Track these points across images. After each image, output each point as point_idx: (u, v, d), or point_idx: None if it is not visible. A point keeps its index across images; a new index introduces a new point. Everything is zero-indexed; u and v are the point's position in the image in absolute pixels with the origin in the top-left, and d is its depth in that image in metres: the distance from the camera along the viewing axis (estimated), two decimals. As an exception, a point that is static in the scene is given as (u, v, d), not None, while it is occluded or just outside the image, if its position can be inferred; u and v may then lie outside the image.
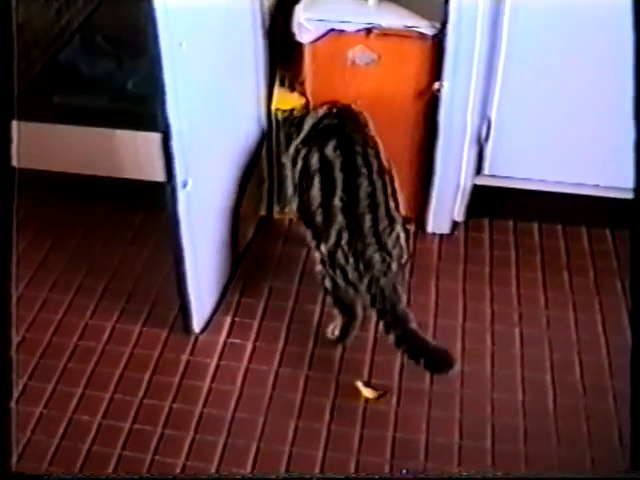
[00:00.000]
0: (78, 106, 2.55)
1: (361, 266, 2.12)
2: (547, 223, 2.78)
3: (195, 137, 2.10)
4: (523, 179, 2.59)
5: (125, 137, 2.42)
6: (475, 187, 2.65)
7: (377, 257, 2.12)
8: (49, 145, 2.40)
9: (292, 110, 2.52)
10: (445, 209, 2.70)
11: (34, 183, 2.08)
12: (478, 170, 2.61)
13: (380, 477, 2.11)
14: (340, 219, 2.14)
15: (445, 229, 2.74)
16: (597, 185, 2.53)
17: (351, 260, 2.12)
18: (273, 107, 2.55)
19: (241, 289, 2.56)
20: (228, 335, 2.42)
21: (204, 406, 2.23)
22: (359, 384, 2.27)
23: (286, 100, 2.55)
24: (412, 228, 2.70)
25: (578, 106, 2.41)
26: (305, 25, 2.41)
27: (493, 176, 2.61)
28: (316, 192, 2.18)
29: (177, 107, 1.98)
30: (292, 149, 2.37)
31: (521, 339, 2.40)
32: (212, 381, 2.29)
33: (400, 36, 2.39)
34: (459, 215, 2.74)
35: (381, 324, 2.12)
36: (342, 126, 2.31)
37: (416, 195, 2.68)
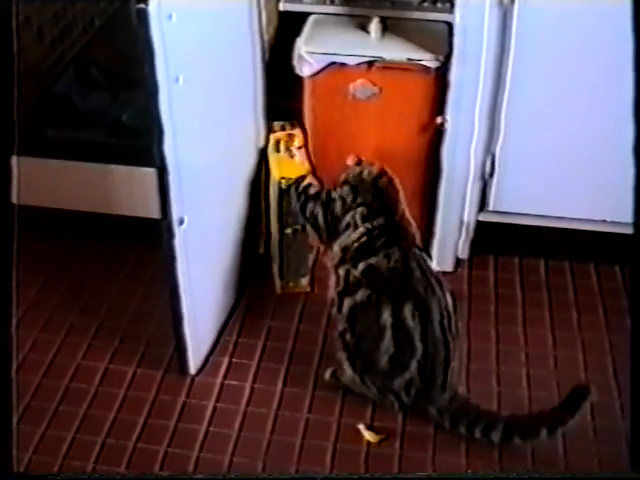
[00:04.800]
0: (72, 140, 2.52)
1: (422, 401, 2.19)
2: (553, 260, 2.77)
3: (192, 173, 2.09)
4: (528, 215, 2.58)
5: (120, 172, 2.40)
6: (479, 223, 2.64)
7: (442, 397, 2.16)
8: (41, 180, 2.36)
9: (299, 178, 2.41)
10: (449, 246, 2.68)
11: (25, 219, 2.04)
12: (482, 206, 2.60)
13: (380, 477, 2.09)
14: (414, 373, 2.15)
15: (449, 267, 2.72)
16: (604, 220, 2.52)
17: (414, 400, 2.20)
18: (277, 176, 2.43)
19: (239, 329, 2.54)
20: (225, 376, 2.39)
21: (201, 450, 2.19)
22: (361, 427, 2.23)
23: (289, 167, 2.45)
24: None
25: (584, 140, 2.41)
26: (306, 58, 2.40)
27: (497, 212, 2.60)
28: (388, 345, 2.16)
29: (173, 142, 1.97)
30: (337, 248, 2.28)
31: (528, 380, 2.37)
32: (209, 424, 2.26)
33: (402, 69, 2.39)
34: (463, 252, 2.72)
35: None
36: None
37: (419, 232, 2.59)
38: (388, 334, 2.13)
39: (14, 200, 1.59)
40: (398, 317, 2.12)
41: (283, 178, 2.42)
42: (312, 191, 2.38)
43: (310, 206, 2.35)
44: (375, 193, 2.27)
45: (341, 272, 2.22)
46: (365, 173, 2.31)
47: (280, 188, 2.42)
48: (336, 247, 2.26)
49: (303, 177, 2.42)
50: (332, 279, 2.27)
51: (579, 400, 2.07)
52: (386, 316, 2.13)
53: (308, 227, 2.41)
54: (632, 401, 1.74)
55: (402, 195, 2.31)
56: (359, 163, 2.36)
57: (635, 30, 1.63)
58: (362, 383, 2.22)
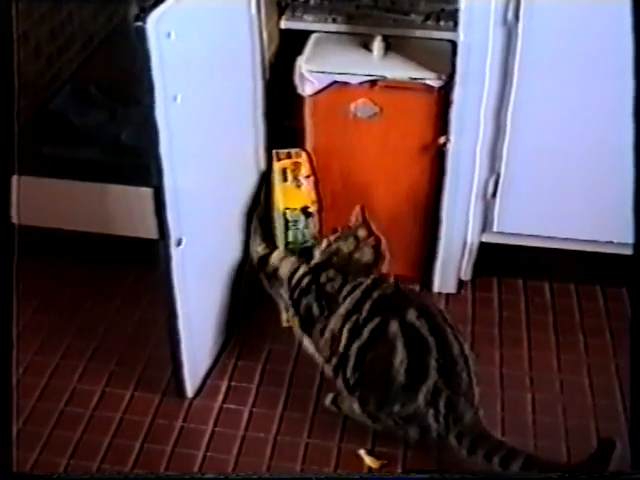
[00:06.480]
0: (68, 158, 2.52)
1: (450, 420, 2.10)
2: (559, 281, 2.74)
3: (190, 193, 2.07)
4: (532, 236, 2.55)
5: (117, 192, 2.39)
6: (482, 244, 2.62)
7: (469, 414, 2.11)
8: (36, 199, 2.33)
9: (304, 208, 2.37)
10: (451, 267, 2.66)
11: (19, 239, 2.03)
12: (485, 227, 2.58)
13: (380, 477, 2.11)
14: (435, 376, 2.10)
15: (451, 288, 2.70)
16: (611, 242, 2.49)
17: (442, 419, 2.10)
18: (281, 207, 2.38)
19: (238, 352, 2.51)
20: (224, 400, 2.37)
21: (199, 476, 2.17)
22: (362, 452, 2.20)
23: (294, 197, 2.39)
24: (417, 288, 2.67)
25: (589, 160, 2.38)
26: (307, 77, 2.38)
27: (501, 233, 2.57)
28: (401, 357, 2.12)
29: (171, 161, 1.96)
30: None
31: (533, 405, 2.34)
32: (207, 449, 2.23)
33: (405, 88, 2.36)
34: (466, 274, 2.70)
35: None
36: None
37: (421, 253, 2.64)
38: (400, 344, 2.10)
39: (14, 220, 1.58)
40: (405, 323, 2.12)
41: (288, 209, 2.38)
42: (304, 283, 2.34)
43: (304, 301, 2.32)
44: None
45: (348, 326, 2.19)
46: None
47: (285, 219, 2.38)
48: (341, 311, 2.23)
49: (305, 208, 2.38)
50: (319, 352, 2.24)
51: (607, 454, 2.01)
52: (394, 328, 2.11)
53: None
54: (632, 402, 1.76)
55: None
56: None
57: (636, 44, 1.64)
58: (374, 422, 2.17)
